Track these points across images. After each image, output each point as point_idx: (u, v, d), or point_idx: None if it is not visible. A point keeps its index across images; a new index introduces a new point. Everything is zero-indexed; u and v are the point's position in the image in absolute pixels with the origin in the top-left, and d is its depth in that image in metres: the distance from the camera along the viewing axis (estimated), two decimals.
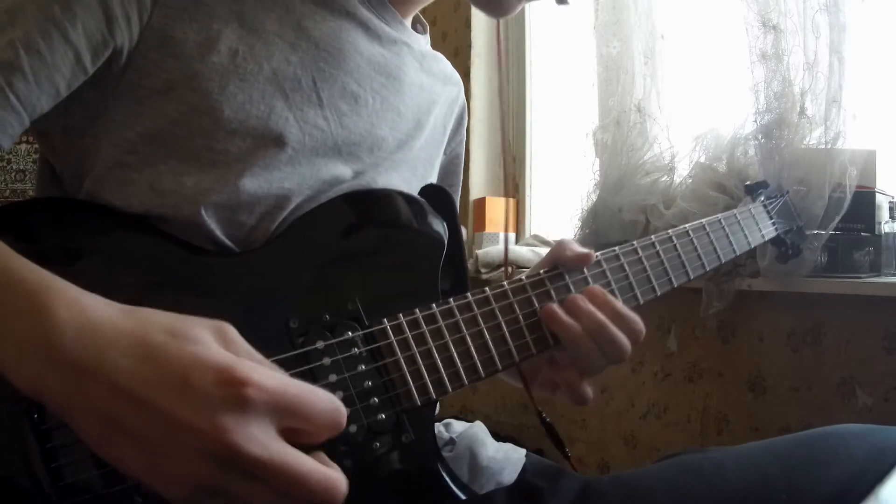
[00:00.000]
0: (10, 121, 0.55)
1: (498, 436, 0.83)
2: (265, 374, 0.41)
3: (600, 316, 0.65)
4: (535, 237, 2.21)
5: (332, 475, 0.42)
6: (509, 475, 0.73)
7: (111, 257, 0.57)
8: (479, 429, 0.81)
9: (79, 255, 0.56)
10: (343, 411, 0.44)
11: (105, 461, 0.42)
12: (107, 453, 0.41)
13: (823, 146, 1.42)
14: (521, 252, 1.98)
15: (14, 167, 2.80)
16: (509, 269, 1.99)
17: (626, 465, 1.85)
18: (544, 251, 1.96)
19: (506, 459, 0.76)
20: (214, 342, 0.43)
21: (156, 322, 0.43)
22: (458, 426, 0.82)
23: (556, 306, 0.66)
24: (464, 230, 2.37)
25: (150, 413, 0.40)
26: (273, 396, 0.41)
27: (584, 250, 0.69)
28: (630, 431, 1.87)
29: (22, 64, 0.54)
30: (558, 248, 0.71)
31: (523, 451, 0.78)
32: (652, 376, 1.82)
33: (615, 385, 1.90)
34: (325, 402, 0.44)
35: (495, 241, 2.16)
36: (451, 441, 0.78)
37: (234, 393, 0.40)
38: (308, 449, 0.43)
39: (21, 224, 0.55)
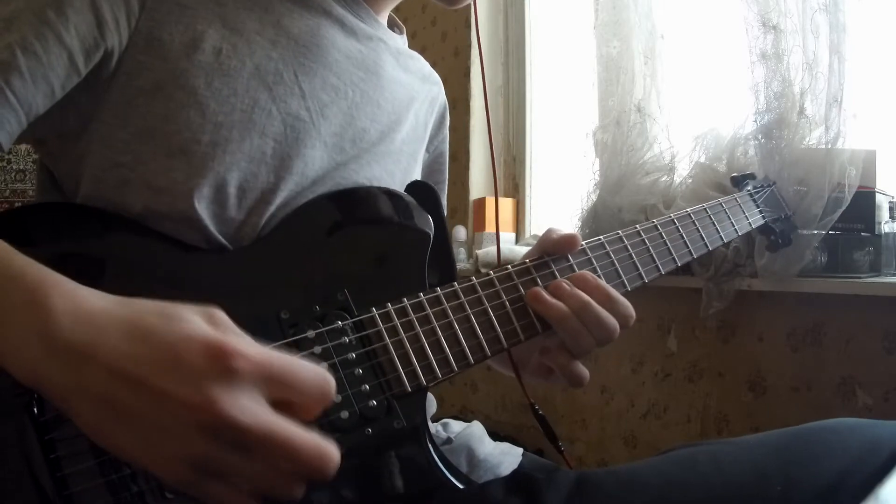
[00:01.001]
0: (9, 118, 0.58)
1: (497, 436, 0.83)
2: (251, 346, 0.43)
3: (584, 296, 0.66)
4: (535, 237, 2.21)
5: (323, 444, 0.43)
6: (506, 470, 0.74)
7: (108, 260, 0.59)
8: (477, 428, 0.82)
9: (76, 260, 0.57)
10: (331, 380, 0.46)
11: (104, 449, 0.43)
12: (104, 439, 0.42)
13: (823, 146, 1.42)
14: (521, 252, 1.98)
15: (14, 167, 2.81)
16: (510, 268, 1.99)
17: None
18: None
19: (503, 455, 0.76)
20: (203, 322, 0.44)
21: (147, 307, 0.45)
22: (456, 426, 0.82)
23: (540, 289, 0.67)
24: (464, 230, 2.37)
25: (143, 391, 0.41)
26: (259, 366, 0.42)
27: (569, 232, 0.71)
28: (630, 431, 1.87)
29: (19, 64, 0.57)
30: (545, 234, 0.72)
31: (520, 450, 0.78)
32: (652, 376, 1.82)
33: (615, 385, 1.90)
34: (312, 371, 0.45)
35: (495, 241, 2.16)
36: (449, 440, 0.79)
37: (221, 364, 0.41)
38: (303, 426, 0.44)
39: (20, 230, 0.57)
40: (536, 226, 2.33)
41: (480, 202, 2.26)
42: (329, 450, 0.43)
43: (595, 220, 1.81)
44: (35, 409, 0.49)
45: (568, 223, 1.90)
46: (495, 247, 2.06)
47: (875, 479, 0.58)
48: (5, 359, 0.43)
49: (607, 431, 1.92)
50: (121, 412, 0.41)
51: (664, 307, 1.78)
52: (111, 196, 0.62)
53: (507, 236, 2.23)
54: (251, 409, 0.41)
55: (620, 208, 1.75)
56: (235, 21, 0.67)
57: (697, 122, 1.72)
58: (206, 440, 0.41)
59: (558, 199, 2.21)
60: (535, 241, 2.37)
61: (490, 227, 2.20)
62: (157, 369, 0.41)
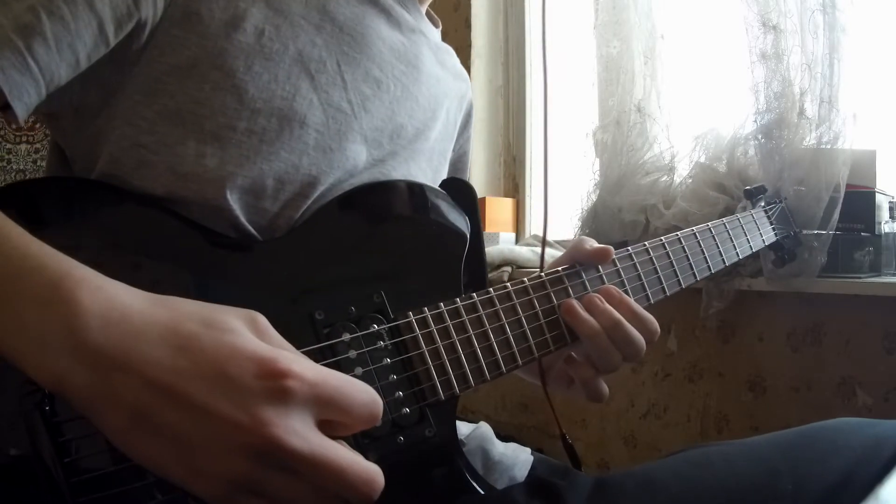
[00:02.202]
0: (28, 88, 0.52)
1: (498, 436, 0.84)
2: (305, 366, 0.41)
3: (616, 314, 0.66)
4: (535, 237, 2.21)
5: (371, 468, 0.42)
6: (520, 471, 0.74)
7: (129, 243, 0.55)
8: (486, 429, 0.82)
9: (93, 240, 0.53)
10: (380, 403, 0.44)
11: (129, 457, 0.40)
12: (134, 449, 0.39)
13: (823, 146, 1.42)
14: (522, 252, 1.98)
15: (14, 167, 2.79)
16: (510, 268, 1.98)
17: (626, 465, 1.85)
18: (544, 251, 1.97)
19: (515, 456, 0.76)
20: (249, 332, 0.41)
21: (187, 311, 0.42)
22: (465, 427, 0.82)
23: (574, 302, 0.67)
24: None
25: (185, 406, 0.38)
26: (313, 388, 0.40)
27: (603, 245, 0.71)
28: (630, 431, 1.87)
29: (44, 28, 0.52)
30: (578, 244, 0.72)
31: (529, 450, 0.79)
32: (652, 376, 1.82)
33: (615, 385, 1.89)
34: (364, 394, 0.43)
35: (495, 241, 2.16)
36: (461, 442, 0.78)
37: (275, 385, 0.39)
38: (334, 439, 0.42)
39: (29, 205, 0.52)
40: (536, 226, 2.33)
41: (480, 202, 2.26)
42: (376, 474, 0.42)
43: (595, 220, 1.81)
44: (46, 408, 0.46)
45: (568, 223, 1.90)
46: (495, 247, 2.07)
47: (878, 477, 0.59)
48: (24, 358, 0.39)
49: (607, 431, 1.92)
50: (155, 425, 0.38)
51: (664, 307, 1.75)
52: (129, 178, 0.58)
53: (507, 236, 2.23)
54: (303, 433, 0.39)
55: (620, 208, 1.75)
56: (280, 2, 0.64)
57: (697, 122, 1.73)
58: (252, 461, 0.38)
59: (558, 199, 2.21)
60: (534, 241, 2.35)
61: (490, 227, 2.20)
62: (200, 384, 0.38)
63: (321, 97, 0.64)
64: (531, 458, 0.77)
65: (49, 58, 0.52)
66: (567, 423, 1.99)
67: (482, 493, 0.62)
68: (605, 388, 0.68)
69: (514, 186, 2.38)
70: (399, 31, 0.73)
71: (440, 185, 0.70)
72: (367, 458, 0.42)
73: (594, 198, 1.82)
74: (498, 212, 2.23)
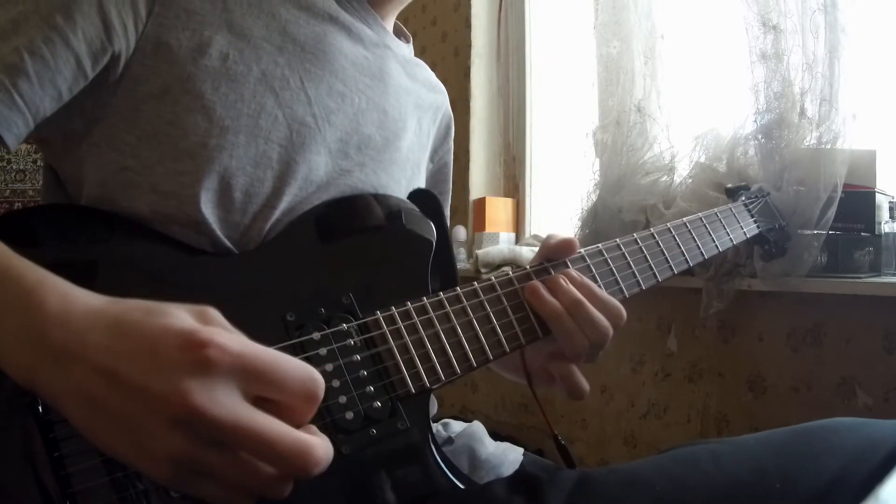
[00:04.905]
0: (16, 120, 0.58)
1: (498, 436, 0.84)
2: (230, 338, 0.41)
3: (577, 294, 0.68)
4: (535, 237, 2.21)
5: (304, 439, 0.41)
6: (508, 470, 0.74)
7: (113, 264, 0.59)
8: (478, 428, 0.82)
9: (82, 263, 0.58)
10: (318, 379, 0.43)
11: (94, 445, 0.42)
12: (95, 438, 0.42)
13: (823, 146, 1.42)
14: (522, 252, 1.98)
15: (14, 167, 2.80)
16: (510, 268, 2.00)
17: None
18: None
19: (504, 455, 0.77)
20: (189, 317, 0.43)
21: (136, 304, 0.44)
22: (457, 426, 0.83)
23: (538, 284, 0.69)
24: (464, 230, 2.37)
25: (123, 386, 0.40)
26: (236, 358, 0.41)
27: (567, 237, 0.73)
28: (630, 431, 1.87)
29: (27, 67, 0.57)
30: (545, 241, 0.74)
31: (521, 450, 0.79)
32: (652, 376, 1.82)
33: (615, 385, 1.90)
34: (296, 368, 0.43)
35: (495, 241, 2.16)
36: (450, 440, 0.79)
37: (196, 355, 0.40)
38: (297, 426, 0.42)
39: (26, 232, 0.57)
40: (536, 226, 2.33)
41: (480, 202, 2.27)
42: (310, 445, 0.41)
43: (595, 220, 1.81)
44: (39, 408, 0.49)
45: (568, 223, 1.90)
46: (495, 247, 2.07)
47: (873, 478, 0.58)
48: (4, 361, 0.43)
49: (607, 431, 1.93)
50: (104, 409, 0.41)
51: (664, 307, 1.78)
52: (118, 198, 0.62)
53: (507, 236, 2.23)
54: (225, 402, 0.40)
55: (620, 208, 1.75)
56: (242, 27, 0.67)
57: (697, 122, 1.73)
58: (183, 435, 0.40)
59: (558, 199, 2.22)
60: (534, 241, 2.36)
61: (490, 227, 2.20)
62: (133, 363, 0.41)
63: (285, 112, 0.68)
64: (521, 457, 0.77)
65: (33, 93, 0.58)
66: (567, 423, 2.00)
67: (461, 486, 0.63)
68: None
69: (513, 186, 2.39)
70: (362, 47, 0.76)
71: (408, 197, 0.75)
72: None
73: (594, 198, 1.82)
74: (498, 212, 2.24)
